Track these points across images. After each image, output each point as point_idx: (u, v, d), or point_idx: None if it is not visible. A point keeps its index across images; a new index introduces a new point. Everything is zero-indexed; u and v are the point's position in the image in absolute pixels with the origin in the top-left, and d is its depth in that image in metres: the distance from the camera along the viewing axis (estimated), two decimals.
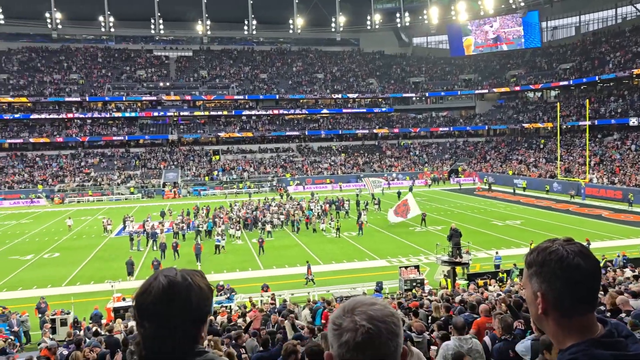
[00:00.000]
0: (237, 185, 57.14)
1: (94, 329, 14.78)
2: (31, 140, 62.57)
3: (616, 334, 1.38)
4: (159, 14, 78.43)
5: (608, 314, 6.89)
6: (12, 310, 17.69)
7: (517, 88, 70.52)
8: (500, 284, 18.79)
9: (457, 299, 13.85)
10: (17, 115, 64.07)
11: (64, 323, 17.07)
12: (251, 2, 79.40)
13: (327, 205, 40.21)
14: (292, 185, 56.22)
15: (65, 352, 10.44)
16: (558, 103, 55.25)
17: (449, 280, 20.89)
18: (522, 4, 70.61)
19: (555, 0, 68.56)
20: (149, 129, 67.85)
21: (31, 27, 76.57)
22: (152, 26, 79.62)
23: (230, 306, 17.75)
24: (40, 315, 17.72)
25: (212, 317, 13.92)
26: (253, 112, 71.29)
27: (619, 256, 21.69)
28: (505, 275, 20.58)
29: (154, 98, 68.65)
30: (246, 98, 71.24)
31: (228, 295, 19.10)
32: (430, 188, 56.18)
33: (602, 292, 10.49)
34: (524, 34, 72.21)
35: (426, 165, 64.95)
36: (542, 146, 61.38)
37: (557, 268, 1.40)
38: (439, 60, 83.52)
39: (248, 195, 51.65)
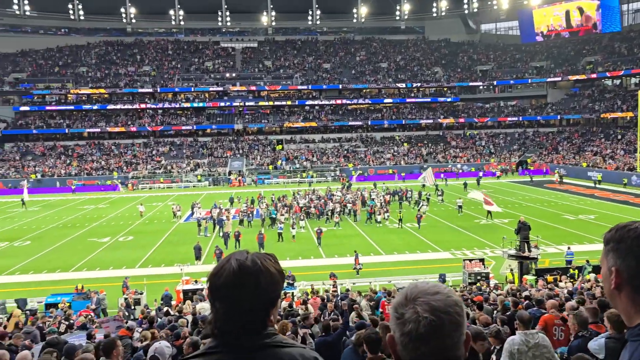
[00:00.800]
0: (300, 175, 57.85)
1: (164, 309, 15.53)
2: (108, 129, 66.18)
3: None
4: (225, 6, 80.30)
5: None
6: (90, 289, 18.90)
7: (594, 75, 66.60)
8: (572, 280, 17.98)
9: (524, 294, 13.42)
10: (95, 107, 67.93)
11: (137, 302, 18.05)
12: None
13: (389, 196, 39.88)
14: (355, 175, 56.19)
15: (139, 330, 11.04)
16: (639, 91, 51.79)
17: (515, 274, 20.24)
18: None
19: None
20: (216, 118, 69.89)
21: (108, 22, 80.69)
22: (219, 18, 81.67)
23: (293, 293, 18.08)
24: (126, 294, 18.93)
25: None
26: (316, 102, 71.71)
27: None
28: (576, 271, 19.66)
29: (221, 89, 70.57)
30: (309, 88, 71.74)
31: (288, 281, 19.43)
32: (500, 179, 54.37)
33: None
34: (602, 17, 68.07)
35: (493, 156, 62.91)
36: (619, 137, 57.85)
37: (634, 245, 1.39)
38: (509, 47, 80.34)
39: (308, 185, 52.15)
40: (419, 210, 33.38)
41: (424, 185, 44.57)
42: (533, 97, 73.91)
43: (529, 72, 73.35)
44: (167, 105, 69.48)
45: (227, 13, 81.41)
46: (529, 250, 21.13)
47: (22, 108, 66.51)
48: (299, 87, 71.40)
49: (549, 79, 71.08)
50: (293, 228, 29.50)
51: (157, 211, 40.58)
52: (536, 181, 51.48)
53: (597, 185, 46.19)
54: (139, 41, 79.97)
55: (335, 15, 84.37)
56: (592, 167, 51.97)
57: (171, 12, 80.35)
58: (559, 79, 70.37)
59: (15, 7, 74.43)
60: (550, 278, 18.32)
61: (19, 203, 43.89)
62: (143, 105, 68.84)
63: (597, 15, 68.49)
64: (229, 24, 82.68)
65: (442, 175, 54.06)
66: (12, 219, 38.58)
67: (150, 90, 69.21)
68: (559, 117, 68.11)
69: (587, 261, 19.94)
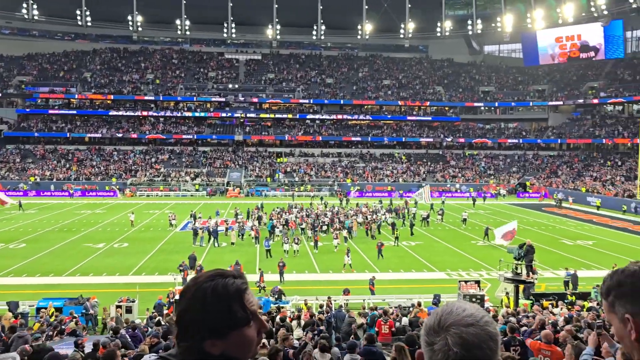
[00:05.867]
0: (298, 188, 57.85)
1: (156, 319, 15.36)
2: (108, 135, 66.26)
3: None
4: (231, 18, 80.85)
5: None
6: (83, 295, 18.72)
7: (596, 101, 66.99)
8: (569, 306, 17.76)
9: (513, 319, 13.27)
10: (97, 112, 68.13)
11: (129, 310, 17.86)
12: (321, 7, 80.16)
13: (388, 213, 39.80)
14: (353, 190, 56.12)
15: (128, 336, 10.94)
16: None
17: (511, 298, 20.06)
18: (605, 13, 66.98)
19: None
20: (217, 129, 70.01)
21: (114, 29, 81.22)
22: (225, 30, 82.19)
23: (286, 307, 17.90)
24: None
25: (266, 317, 14.11)
26: (317, 116, 71.93)
27: None
28: (573, 297, 19.48)
29: (223, 99, 70.83)
30: (311, 102, 72.01)
31: (276, 296, 19.27)
32: (499, 201, 54.33)
33: None
34: (605, 43, 68.52)
35: (492, 177, 62.94)
36: (620, 163, 57.94)
37: (636, 281, 1.31)
38: (511, 70, 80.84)
39: (292, 198, 52.16)
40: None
41: (416, 203, 44.31)
42: (534, 120, 74.16)
43: (530, 94, 73.74)
44: (168, 113, 69.67)
45: (233, 25, 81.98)
46: (534, 274, 20.97)
47: (25, 111, 66.70)
48: (301, 101, 71.66)
49: (550, 103, 71.42)
50: (296, 243, 28.84)
51: (154, 219, 40.42)
52: (534, 204, 51.44)
53: (597, 211, 46.18)
54: (145, 49, 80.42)
55: (339, 31, 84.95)
56: (591, 193, 51.96)
57: (177, 21, 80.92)
58: (561, 103, 70.72)
59: (24, 10, 74.97)
60: (546, 303, 18.19)
61: (16, 205, 43.71)
62: (145, 113, 69.03)
63: (601, 41, 68.92)
64: (234, 35, 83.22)
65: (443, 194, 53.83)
66: (9, 221, 38.40)
67: (153, 98, 69.44)
68: (559, 141, 68.27)
69: (597, 285, 19.69)
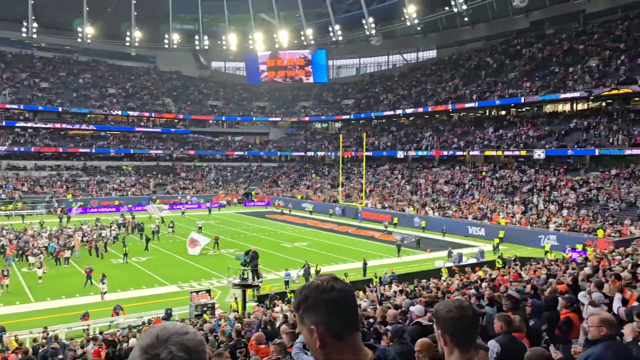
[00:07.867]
0: (6, 207, 50.10)
1: None
2: None
3: (383, 357, 1.61)
4: None
5: (378, 326, 7.87)
6: None
7: (307, 118, 76.40)
8: (288, 304, 20.00)
9: (246, 321, 14.55)
10: None
11: None
12: (32, 2, 70.94)
13: (114, 229, 37.87)
14: (75, 207, 51.38)
15: None
16: (341, 134, 61.46)
17: (239, 303, 21.50)
18: (313, 42, 76.94)
19: (340, 43, 76.27)
20: None
21: None
22: None
23: None
24: None
25: None
26: (30, 124, 63.56)
27: (386, 273, 24.95)
28: (291, 294, 21.99)
29: None
30: (21, 108, 63.22)
31: None
32: (228, 210, 56.96)
33: (374, 307, 12.25)
34: (313, 69, 78.84)
35: (221, 188, 65.63)
36: (326, 173, 67.21)
37: (317, 294, 1.53)
38: (237, 86, 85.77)
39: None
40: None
41: (150, 218, 43.73)
42: (257, 134, 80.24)
43: (254, 110, 79.59)
44: None
45: None
46: (259, 279, 22.79)
47: None
48: (8, 106, 62.28)
49: (270, 119, 78.47)
50: (5, 275, 24.64)
51: None
52: (259, 212, 55.72)
53: (310, 215, 52.65)
54: None
55: (56, 31, 76.53)
56: (305, 199, 58.90)
57: None
58: (279, 119, 78.36)
59: None
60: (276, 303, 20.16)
61: None
62: None
63: (310, 67, 79.02)
64: None
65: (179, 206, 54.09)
66: None
67: None
68: (278, 153, 75.49)
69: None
